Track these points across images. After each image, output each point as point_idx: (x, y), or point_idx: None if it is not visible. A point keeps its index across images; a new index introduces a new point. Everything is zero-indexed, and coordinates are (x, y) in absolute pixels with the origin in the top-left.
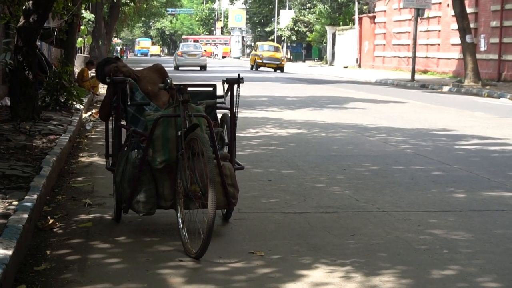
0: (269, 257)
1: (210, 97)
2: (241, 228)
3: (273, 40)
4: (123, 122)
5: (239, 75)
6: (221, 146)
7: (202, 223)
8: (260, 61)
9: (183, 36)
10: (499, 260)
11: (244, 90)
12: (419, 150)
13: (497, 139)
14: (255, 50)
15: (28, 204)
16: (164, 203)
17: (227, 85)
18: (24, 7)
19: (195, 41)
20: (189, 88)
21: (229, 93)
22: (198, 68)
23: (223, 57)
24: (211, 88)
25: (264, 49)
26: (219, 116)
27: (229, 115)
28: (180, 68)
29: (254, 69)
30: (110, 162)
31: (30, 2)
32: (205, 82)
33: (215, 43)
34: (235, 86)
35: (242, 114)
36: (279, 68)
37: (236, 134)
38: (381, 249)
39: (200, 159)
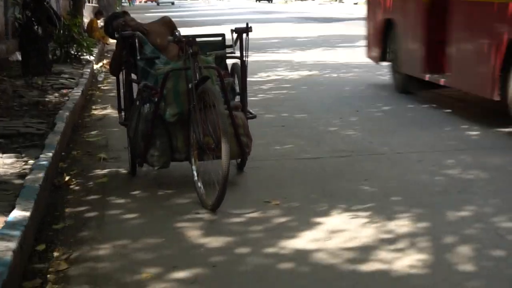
0: (284, 205)
1: (219, 47)
2: (256, 177)
3: None
4: (134, 76)
5: (247, 24)
6: (233, 96)
7: (217, 174)
8: None
9: None
10: None
11: (255, 33)
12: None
13: None
14: None
15: (44, 162)
16: (179, 156)
17: (236, 35)
18: None
19: None
20: (198, 39)
21: (238, 42)
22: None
23: None
24: (220, 38)
25: None
26: (229, 65)
27: (239, 64)
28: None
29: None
30: (123, 116)
31: None
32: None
33: None
34: (244, 35)
35: (252, 58)
36: None
37: (248, 80)
38: (396, 192)
39: (212, 111)
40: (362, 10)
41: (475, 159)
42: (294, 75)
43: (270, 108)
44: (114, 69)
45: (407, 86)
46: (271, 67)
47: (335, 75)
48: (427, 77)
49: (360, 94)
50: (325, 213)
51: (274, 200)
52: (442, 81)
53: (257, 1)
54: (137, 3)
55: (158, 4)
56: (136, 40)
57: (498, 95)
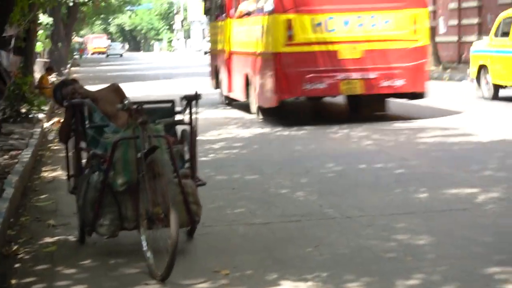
0: (235, 275)
1: (168, 113)
2: (205, 244)
3: None
4: (83, 144)
5: (196, 91)
6: (182, 164)
7: (167, 243)
8: None
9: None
10: (462, 266)
11: (207, 87)
12: (381, 146)
13: (458, 129)
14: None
15: None
16: (128, 225)
17: (185, 102)
18: None
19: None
20: (147, 106)
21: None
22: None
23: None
24: (169, 104)
25: None
26: (179, 130)
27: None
28: None
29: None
30: (72, 184)
31: None
32: (163, 97)
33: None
34: (193, 102)
35: (204, 114)
36: None
37: (198, 139)
38: (346, 259)
39: (161, 180)
40: None
41: (424, 223)
42: (246, 133)
43: (221, 169)
44: (63, 137)
45: (225, 100)
46: (222, 124)
47: (286, 133)
48: (228, 94)
49: (311, 154)
50: (275, 283)
51: (223, 270)
52: (231, 96)
53: (206, 54)
54: (89, 55)
55: (107, 56)
56: (86, 108)
57: (246, 98)
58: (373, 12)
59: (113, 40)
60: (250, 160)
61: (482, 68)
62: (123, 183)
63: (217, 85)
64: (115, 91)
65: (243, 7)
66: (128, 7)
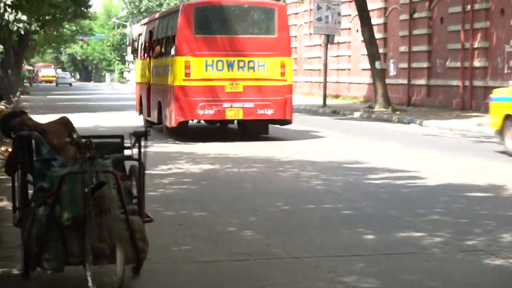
0: None
1: (117, 148)
2: (151, 282)
3: None
4: (30, 177)
5: (146, 128)
6: (130, 200)
7: (112, 279)
8: None
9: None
10: None
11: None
12: (330, 186)
13: (406, 172)
14: None
15: None
16: (73, 260)
17: (134, 138)
18: None
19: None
20: (96, 140)
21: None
22: None
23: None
24: (118, 140)
25: None
26: (127, 166)
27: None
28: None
29: None
30: (18, 217)
31: None
32: (112, 129)
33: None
34: (142, 138)
35: (154, 148)
36: None
37: (148, 173)
38: None
39: (108, 216)
40: None
41: (371, 265)
42: (196, 168)
43: (169, 204)
44: (9, 169)
45: (145, 123)
46: (173, 159)
47: (236, 170)
48: (148, 118)
49: (260, 191)
50: None
51: None
52: (149, 119)
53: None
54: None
55: (57, 84)
56: (33, 140)
57: (159, 121)
58: (251, 58)
59: (64, 70)
60: (198, 197)
61: (507, 118)
62: (69, 217)
63: (141, 111)
64: (64, 125)
65: (157, 50)
66: (81, 37)
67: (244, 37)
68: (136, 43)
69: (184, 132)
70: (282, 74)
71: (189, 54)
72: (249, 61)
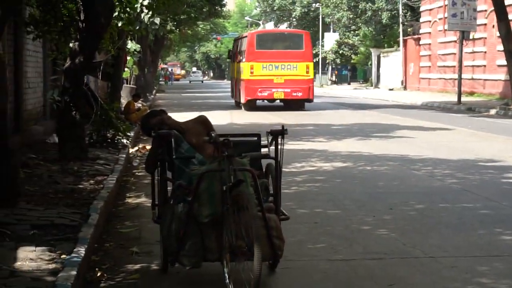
0: None
1: (254, 146)
2: (287, 279)
3: (317, 63)
4: (169, 174)
5: (283, 126)
6: (266, 198)
7: (249, 275)
8: None
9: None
10: None
11: (291, 118)
12: (466, 185)
13: None
14: None
15: (77, 259)
16: (211, 256)
17: (271, 136)
18: (70, 48)
19: None
20: (233, 138)
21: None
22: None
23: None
24: (255, 138)
25: None
26: (264, 163)
27: (274, 164)
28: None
29: None
30: (157, 213)
31: (76, 43)
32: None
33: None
34: (279, 137)
35: (288, 146)
36: None
37: (282, 169)
38: None
39: (246, 214)
40: (397, 96)
41: (509, 266)
42: (328, 166)
43: (303, 202)
44: (149, 167)
45: (235, 102)
46: (306, 157)
47: (369, 168)
48: (234, 99)
49: (394, 190)
50: None
51: None
52: (235, 99)
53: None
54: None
55: (190, 82)
56: (173, 139)
57: (237, 98)
58: (289, 63)
59: (198, 68)
60: (332, 195)
61: None
62: (208, 215)
63: (232, 94)
64: (202, 123)
65: (238, 58)
66: (214, 35)
67: (284, 51)
68: (231, 52)
69: (251, 106)
70: (307, 72)
71: (252, 60)
72: (287, 65)
